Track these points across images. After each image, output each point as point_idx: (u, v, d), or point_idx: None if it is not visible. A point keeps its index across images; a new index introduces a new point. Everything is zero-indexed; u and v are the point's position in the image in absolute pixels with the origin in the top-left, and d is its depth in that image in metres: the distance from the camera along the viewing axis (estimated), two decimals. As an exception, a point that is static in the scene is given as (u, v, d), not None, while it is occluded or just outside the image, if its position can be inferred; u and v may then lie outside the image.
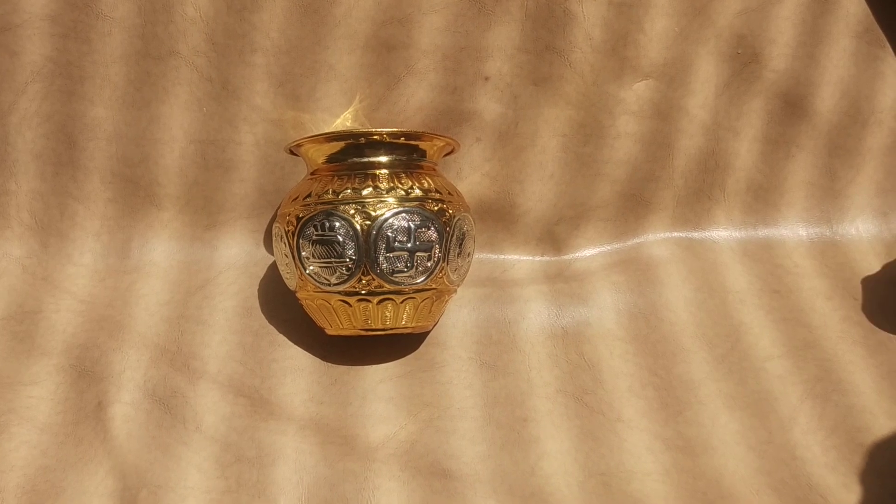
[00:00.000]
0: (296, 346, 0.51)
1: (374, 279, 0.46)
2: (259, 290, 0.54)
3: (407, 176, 0.47)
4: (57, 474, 0.44)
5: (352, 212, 0.45)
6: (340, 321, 0.48)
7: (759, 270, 0.57)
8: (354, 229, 0.45)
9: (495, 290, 0.55)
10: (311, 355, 0.51)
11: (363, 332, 0.48)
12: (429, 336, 0.53)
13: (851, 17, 0.56)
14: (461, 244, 0.48)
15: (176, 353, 0.50)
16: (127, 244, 0.54)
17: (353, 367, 0.51)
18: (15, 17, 0.51)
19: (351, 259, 0.45)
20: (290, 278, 0.49)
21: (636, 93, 0.55)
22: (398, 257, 0.45)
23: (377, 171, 0.46)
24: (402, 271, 0.46)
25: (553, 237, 0.57)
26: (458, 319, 0.53)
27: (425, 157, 0.48)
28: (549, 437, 0.48)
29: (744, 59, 0.56)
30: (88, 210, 0.54)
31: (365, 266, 0.45)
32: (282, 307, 0.53)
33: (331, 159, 0.47)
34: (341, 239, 0.45)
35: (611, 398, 0.50)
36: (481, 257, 0.57)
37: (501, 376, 0.51)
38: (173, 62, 0.52)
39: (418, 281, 0.46)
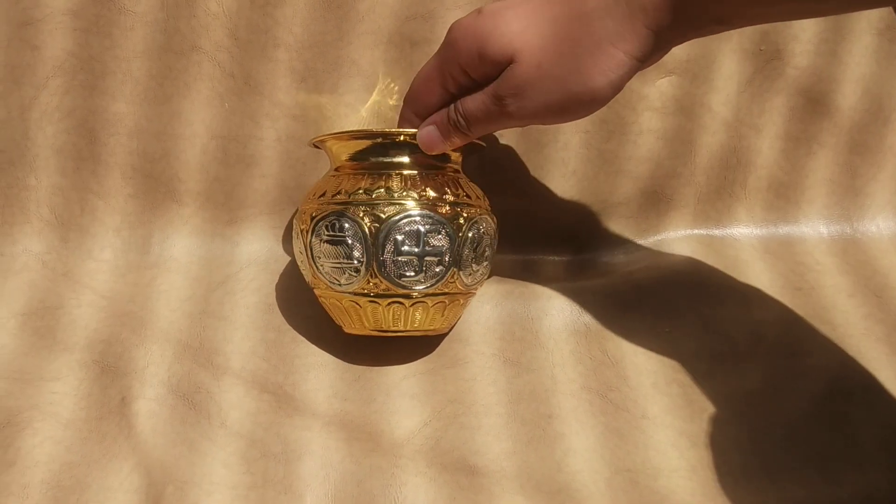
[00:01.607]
0: (318, 343, 0.51)
1: (381, 282, 0.45)
2: (280, 286, 0.54)
3: (423, 178, 0.46)
4: (81, 470, 0.44)
5: (361, 213, 0.44)
6: (353, 322, 0.48)
7: (781, 268, 0.57)
8: (363, 231, 0.44)
9: (517, 287, 0.54)
10: (334, 351, 0.51)
11: (376, 334, 0.48)
12: (451, 333, 0.52)
13: (873, 14, 0.56)
14: (476, 248, 0.47)
15: (199, 349, 0.50)
16: (147, 240, 0.54)
17: (377, 364, 0.50)
18: (37, 11, 0.50)
19: (359, 261, 0.45)
20: (306, 274, 0.49)
21: (659, 89, 0.55)
22: (408, 262, 0.45)
23: (396, 172, 0.46)
24: (410, 276, 0.45)
25: (575, 234, 0.57)
26: (481, 316, 0.53)
27: (448, 158, 0.48)
28: (575, 433, 0.48)
29: (766, 55, 0.56)
30: (109, 205, 0.54)
31: (373, 268, 0.45)
32: (303, 303, 0.52)
33: (353, 157, 0.47)
34: (350, 241, 0.45)
35: (635, 395, 0.50)
36: (503, 254, 0.56)
37: (525, 373, 0.51)
38: (195, 57, 0.52)
39: (427, 285, 0.46)
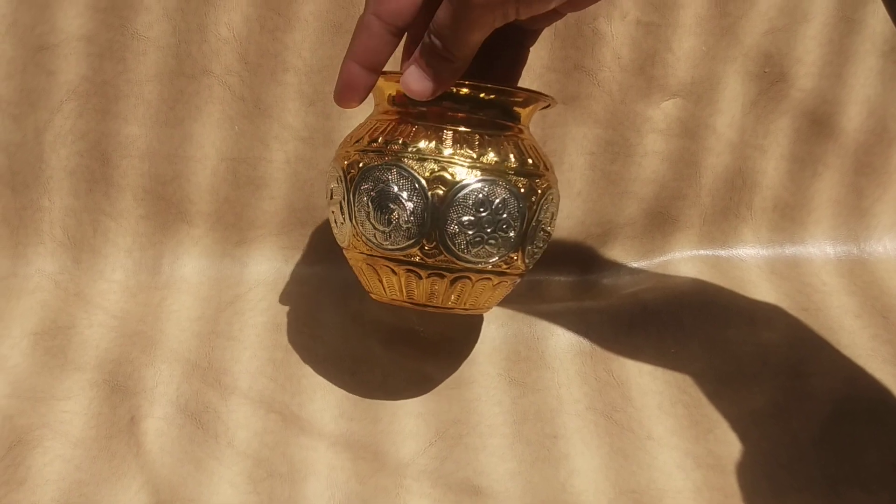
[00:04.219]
0: (325, 362, 0.52)
1: (441, 253, 0.41)
2: (288, 306, 0.54)
3: (494, 139, 0.41)
4: (91, 488, 0.44)
5: (428, 171, 0.40)
6: (388, 289, 0.44)
7: (787, 288, 0.57)
8: (427, 195, 0.39)
9: (523, 307, 0.55)
10: (341, 371, 0.51)
11: (409, 305, 0.44)
12: (457, 352, 0.53)
13: (878, 36, 0.57)
14: (548, 224, 0.44)
15: (207, 369, 0.50)
16: (158, 260, 0.55)
17: (383, 383, 0.51)
18: (52, 37, 0.52)
19: (414, 225, 0.40)
20: (341, 233, 0.44)
21: (664, 111, 0.56)
22: (472, 231, 0.40)
23: (459, 129, 0.41)
24: (471, 249, 0.41)
25: (580, 255, 0.58)
26: (487, 336, 0.53)
27: (519, 119, 0.43)
28: (580, 454, 0.48)
29: (771, 77, 0.56)
30: (120, 227, 0.54)
31: (432, 235, 0.40)
32: (311, 323, 0.53)
33: (402, 103, 0.42)
34: (405, 200, 0.40)
35: (640, 416, 0.50)
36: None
37: (530, 393, 0.51)
38: (206, 81, 0.53)
39: (490, 261, 0.41)
